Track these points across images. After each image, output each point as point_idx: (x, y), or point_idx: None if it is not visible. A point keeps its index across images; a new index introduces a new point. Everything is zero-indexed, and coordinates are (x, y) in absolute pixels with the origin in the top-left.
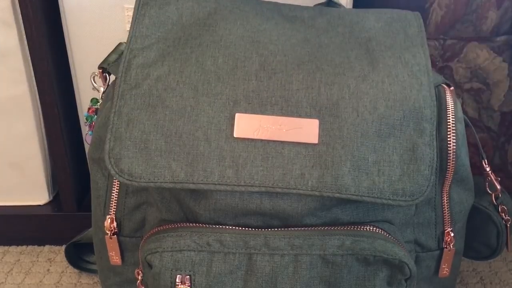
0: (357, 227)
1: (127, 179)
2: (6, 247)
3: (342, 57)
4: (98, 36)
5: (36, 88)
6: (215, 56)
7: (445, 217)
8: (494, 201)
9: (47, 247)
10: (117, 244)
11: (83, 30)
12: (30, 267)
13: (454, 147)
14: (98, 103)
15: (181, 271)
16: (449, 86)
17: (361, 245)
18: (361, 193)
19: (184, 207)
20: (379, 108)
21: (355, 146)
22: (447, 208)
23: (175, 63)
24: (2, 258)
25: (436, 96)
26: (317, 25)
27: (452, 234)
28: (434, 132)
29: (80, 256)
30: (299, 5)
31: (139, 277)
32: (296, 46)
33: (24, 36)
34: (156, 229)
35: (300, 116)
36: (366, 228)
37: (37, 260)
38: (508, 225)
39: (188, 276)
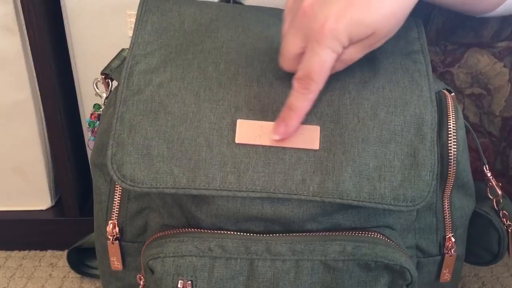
0: (358, 233)
1: (129, 185)
2: (8, 252)
3: None
4: (100, 42)
5: (39, 93)
6: (216, 62)
7: (446, 222)
8: (495, 206)
9: (49, 252)
10: (118, 249)
11: (86, 36)
12: (32, 272)
13: (455, 152)
14: (101, 109)
15: (183, 276)
16: (449, 92)
17: (362, 251)
18: (362, 199)
19: (185, 213)
20: (380, 114)
21: (356, 152)
22: (448, 214)
23: (177, 69)
24: (5, 263)
25: (436, 102)
26: None
27: (453, 240)
28: (435, 138)
29: (82, 261)
30: None
31: (141, 283)
32: None
33: (27, 42)
34: (158, 235)
35: (301, 122)
36: (367, 234)
37: (39, 265)
38: (510, 230)
39: (190, 282)
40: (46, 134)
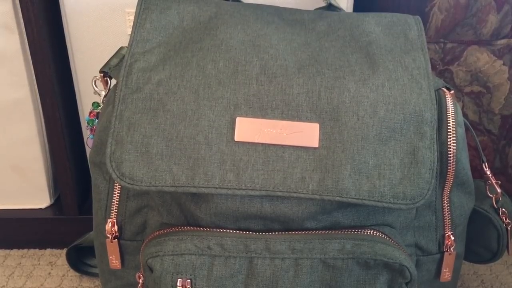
0: (358, 231)
1: (128, 183)
2: (7, 251)
3: (342, 60)
4: (99, 40)
5: (37, 91)
6: (215, 60)
7: (445, 220)
8: (495, 204)
9: (48, 251)
10: (117, 248)
11: (85, 34)
12: (31, 271)
13: (455, 150)
14: (99, 107)
15: (182, 275)
16: (449, 89)
17: (361, 249)
18: (362, 197)
19: (185, 211)
20: (380, 111)
21: (355, 150)
22: (447, 212)
23: (176, 67)
24: (4, 261)
25: (436, 100)
26: (318, 29)
27: (452, 238)
28: (435, 136)
29: (81, 259)
30: (300, 9)
31: (140, 281)
32: (296, 50)
33: (26, 40)
34: (157, 233)
35: (300, 120)
36: (367, 232)
37: (39, 264)
38: (509, 229)
39: (189, 280)
40: (45, 132)
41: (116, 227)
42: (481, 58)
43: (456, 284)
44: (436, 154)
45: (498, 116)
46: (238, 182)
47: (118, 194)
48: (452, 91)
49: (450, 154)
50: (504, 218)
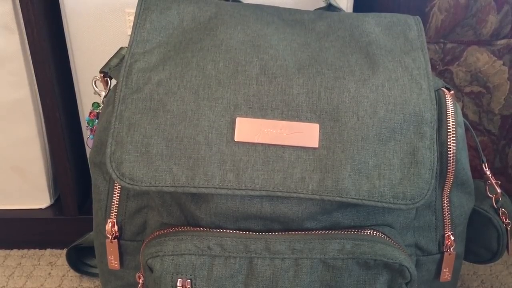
0: (358, 231)
1: (128, 183)
2: (7, 251)
3: (342, 61)
4: (99, 41)
5: (37, 92)
6: (215, 60)
7: (445, 220)
8: (494, 204)
9: (48, 251)
10: (117, 248)
11: (85, 35)
12: (31, 271)
13: (454, 150)
14: (100, 107)
15: (182, 275)
16: (449, 90)
17: (361, 249)
18: (362, 197)
19: (185, 211)
20: (379, 112)
21: (355, 150)
22: (447, 212)
23: (176, 67)
24: (4, 261)
25: (436, 100)
26: (318, 29)
27: (452, 238)
28: (435, 136)
29: (81, 259)
30: (300, 9)
31: (140, 281)
32: (296, 50)
33: (26, 41)
34: (157, 233)
35: (300, 120)
36: (367, 232)
37: (39, 264)
38: (509, 229)
39: (189, 280)
40: (45, 132)
41: (116, 227)
42: (481, 58)
43: (456, 284)
44: (436, 154)
45: (498, 116)
46: (238, 182)
47: (118, 194)
48: (452, 91)
49: (450, 154)
50: (504, 218)
